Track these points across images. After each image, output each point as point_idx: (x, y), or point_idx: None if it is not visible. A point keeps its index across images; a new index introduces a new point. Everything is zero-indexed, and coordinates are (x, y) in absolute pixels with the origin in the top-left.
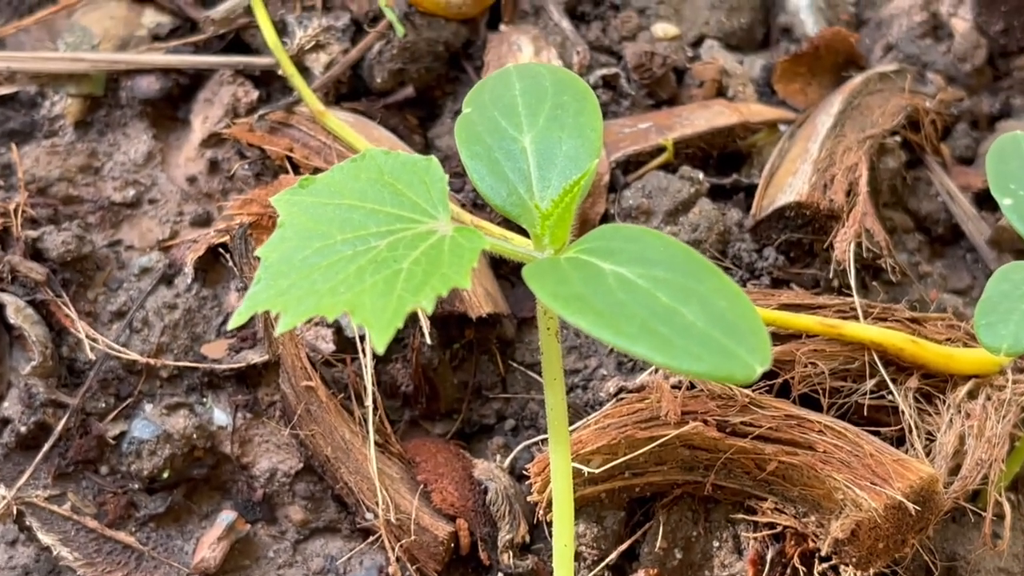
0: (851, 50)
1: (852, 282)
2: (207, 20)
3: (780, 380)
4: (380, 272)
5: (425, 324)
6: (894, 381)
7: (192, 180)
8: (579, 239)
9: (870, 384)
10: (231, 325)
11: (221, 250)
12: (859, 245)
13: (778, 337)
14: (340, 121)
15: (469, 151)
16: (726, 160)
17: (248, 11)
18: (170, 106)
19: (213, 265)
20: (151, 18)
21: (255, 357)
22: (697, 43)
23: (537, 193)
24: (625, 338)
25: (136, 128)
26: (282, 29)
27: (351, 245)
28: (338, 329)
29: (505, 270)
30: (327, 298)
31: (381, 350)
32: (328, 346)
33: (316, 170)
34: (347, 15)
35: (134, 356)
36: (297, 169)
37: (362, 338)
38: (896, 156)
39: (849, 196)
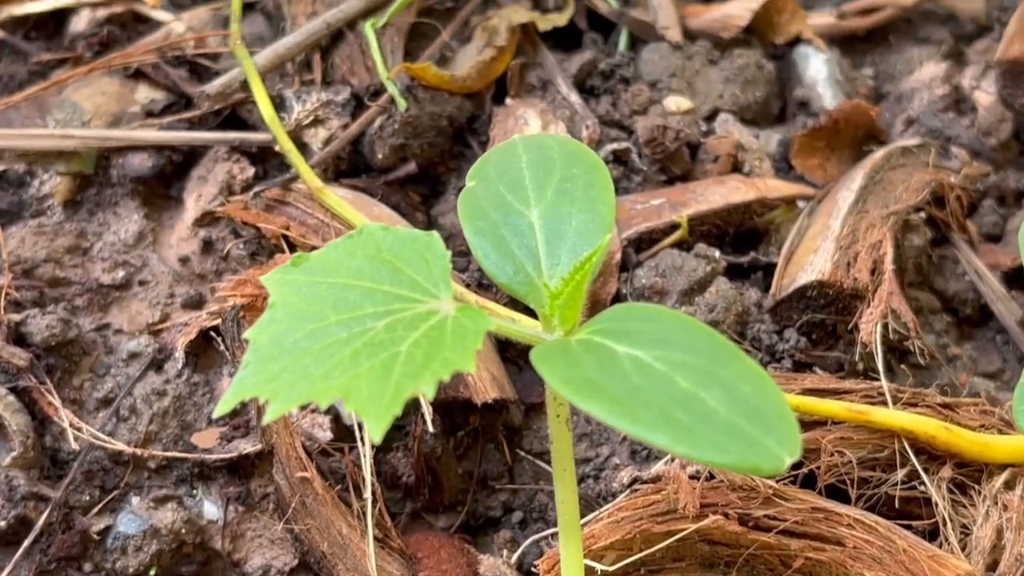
0: (871, 124)
1: (879, 365)
2: (202, 95)
3: (805, 470)
4: (377, 355)
5: (427, 411)
6: (926, 471)
7: (185, 261)
8: (591, 320)
9: (901, 474)
10: (217, 413)
11: (213, 333)
12: (885, 326)
13: (803, 424)
14: (339, 198)
15: (473, 227)
16: (743, 238)
17: (244, 86)
18: (162, 184)
19: (205, 350)
20: (144, 94)
21: (248, 446)
22: (711, 117)
23: (546, 271)
24: (642, 426)
25: (127, 207)
26: (280, 104)
27: (346, 327)
28: (335, 417)
29: (512, 353)
30: (320, 383)
31: (378, 439)
32: (325, 434)
33: (313, 248)
34: (347, 89)
35: (120, 446)
36: (294, 248)
37: (360, 426)
38: (921, 233)
39: (874, 275)
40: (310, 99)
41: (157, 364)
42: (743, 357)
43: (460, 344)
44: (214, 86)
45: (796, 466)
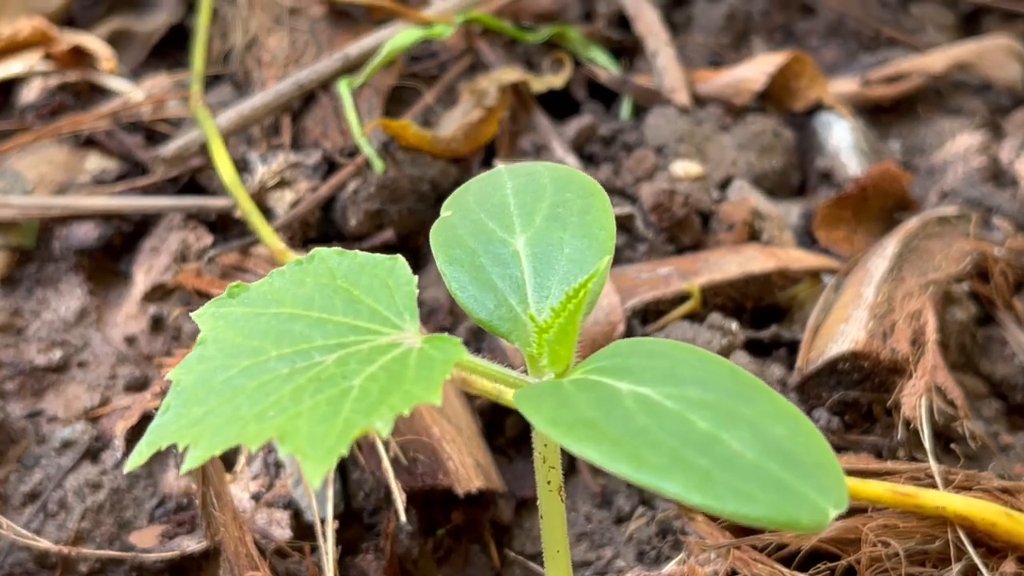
0: (902, 192)
1: (927, 442)
2: (156, 159)
3: (843, 563)
4: (323, 391)
5: (400, 499)
6: (986, 565)
7: (131, 340)
8: (586, 360)
9: (956, 569)
10: (129, 466)
11: None
12: (931, 403)
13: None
14: None
15: (447, 255)
16: (762, 314)
17: (204, 149)
18: (110, 258)
19: None
20: (96, 163)
21: (192, 544)
22: (724, 185)
23: (533, 304)
24: (650, 471)
25: (69, 283)
26: (243, 166)
27: (288, 361)
28: (295, 512)
29: (501, 441)
30: (252, 425)
31: (317, 484)
32: (283, 532)
33: None
34: (319, 152)
35: (47, 544)
36: None
37: (323, 521)
38: (964, 308)
39: (914, 346)
40: (276, 160)
41: (93, 453)
42: (773, 395)
43: (425, 376)
44: (170, 149)
45: (832, 558)
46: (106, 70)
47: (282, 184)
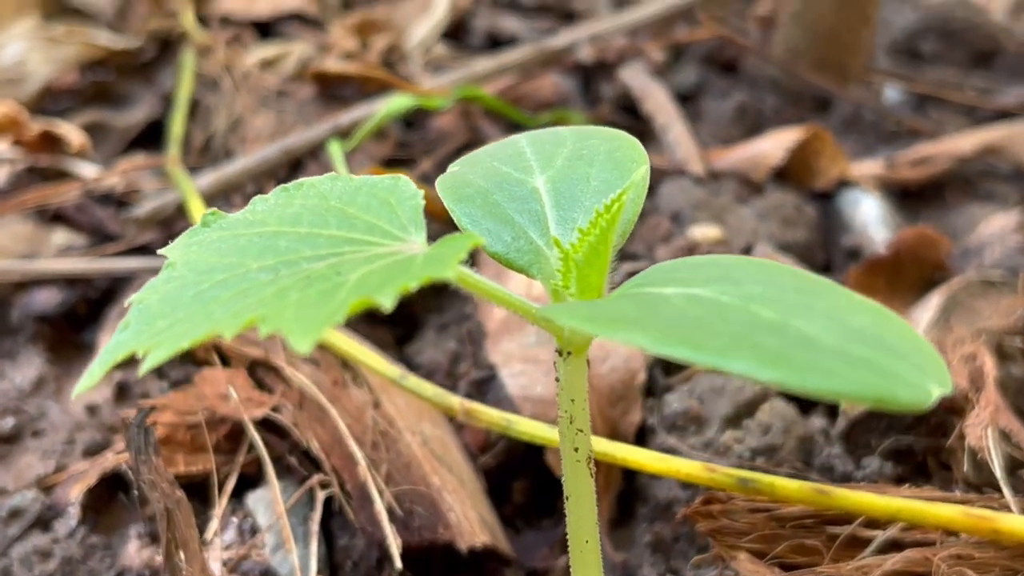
0: (938, 260)
1: (998, 471)
2: (128, 222)
3: None
4: (313, 287)
5: (395, 547)
6: None
7: (93, 410)
8: (624, 284)
9: None
10: (78, 389)
11: (122, 493)
12: (998, 435)
13: (905, 543)
14: None
15: (455, 195)
16: None
17: (180, 211)
18: (72, 328)
19: (108, 505)
20: (63, 238)
21: None
22: (746, 251)
23: (556, 235)
24: (710, 351)
25: (27, 353)
26: None
27: (271, 272)
28: None
29: (508, 510)
30: (227, 320)
31: (305, 349)
32: None
33: (254, 362)
34: None
35: None
36: (227, 362)
37: None
38: (1020, 363)
39: (972, 385)
40: None
41: (44, 522)
42: (848, 291)
43: (435, 260)
44: (144, 209)
45: None
46: (76, 154)
47: None
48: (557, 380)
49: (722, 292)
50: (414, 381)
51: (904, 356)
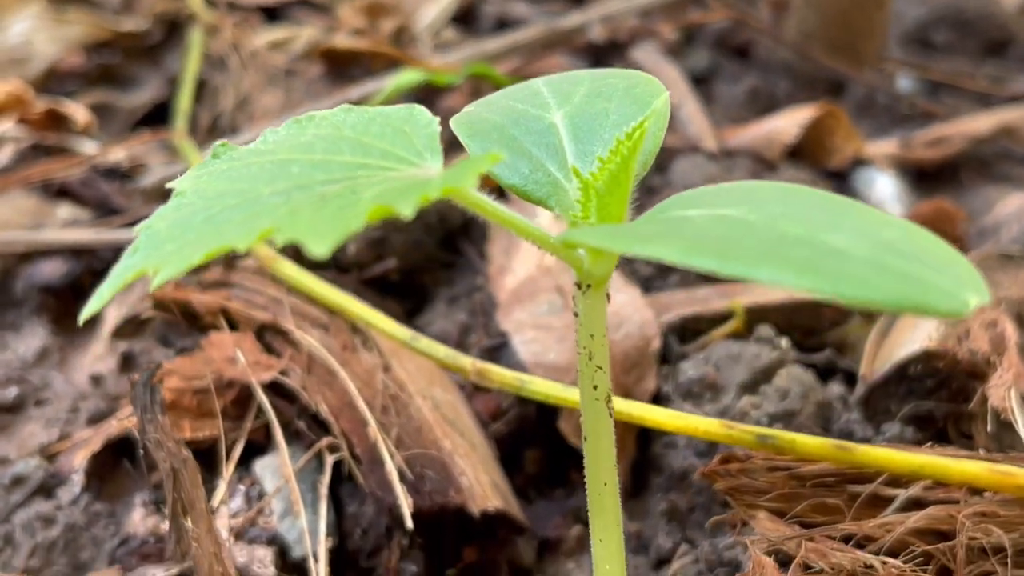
0: (955, 235)
1: (1022, 431)
2: (134, 192)
3: (935, 566)
4: (329, 204)
5: (407, 508)
6: None
7: (97, 380)
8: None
9: None
10: (84, 315)
11: (127, 460)
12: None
13: (928, 501)
14: (298, 269)
15: (469, 130)
16: (812, 349)
17: None
18: (76, 299)
19: (113, 472)
20: (67, 212)
21: (159, 573)
22: None
23: (575, 166)
24: (737, 261)
25: (31, 324)
26: None
27: (283, 195)
28: (281, 549)
29: (520, 480)
30: (240, 233)
31: (322, 252)
32: (266, 570)
33: (262, 326)
34: None
35: None
36: (234, 326)
37: (316, 556)
38: None
39: (995, 350)
40: None
41: (47, 489)
42: (878, 212)
43: (455, 172)
44: (150, 180)
45: (924, 560)
46: (82, 132)
47: None
48: (576, 316)
49: (748, 212)
50: (426, 343)
51: (939, 267)
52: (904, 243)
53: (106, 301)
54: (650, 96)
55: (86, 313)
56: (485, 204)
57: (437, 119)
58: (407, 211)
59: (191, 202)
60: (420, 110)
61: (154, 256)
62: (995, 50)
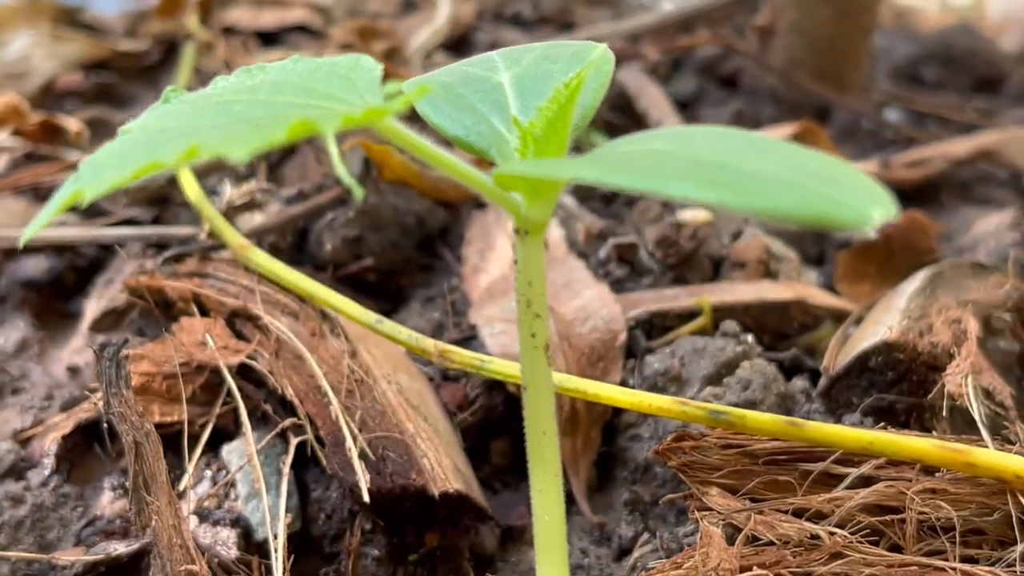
0: (929, 246)
1: (977, 415)
2: (119, 195)
3: (884, 542)
4: (260, 127)
5: (364, 482)
6: None
7: (74, 371)
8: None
9: (1021, 550)
10: (26, 234)
11: (98, 445)
12: (977, 390)
13: (874, 480)
14: (270, 258)
15: (420, 90)
16: (780, 352)
17: (172, 183)
18: (58, 296)
19: (84, 457)
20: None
21: (120, 548)
22: (736, 236)
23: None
24: (653, 178)
25: (12, 318)
26: (211, 194)
27: (222, 129)
28: (245, 531)
29: (486, 471)
30: (169, 152)
31: (241, 156)
32: (229, 552)
33: (233, 313)
34: (295, 188)
35: None
36: (206, 312)
37: (276, 537)
38: (1007, 339)
39: (955, 344)
40: (247, 185)
41: (18, 472)
42: (805, 149)
43: (379, 106)
44: (134, 183)
45: (874, 533)
46: (74, 142)
47: (251, 205)
48: (515, 263)
49: (675, 146)
50: (390, 325)
51: (849, 186)
52: (820, 168)
53: (45, 224)
54: (604, 62)
55: (28, 233)
56: (405, 136)
57: (381, 66)
58: (329, 130)
59: (133, 136)
60: (366, 59)
61: (94, 180)
62: (985, 87)
